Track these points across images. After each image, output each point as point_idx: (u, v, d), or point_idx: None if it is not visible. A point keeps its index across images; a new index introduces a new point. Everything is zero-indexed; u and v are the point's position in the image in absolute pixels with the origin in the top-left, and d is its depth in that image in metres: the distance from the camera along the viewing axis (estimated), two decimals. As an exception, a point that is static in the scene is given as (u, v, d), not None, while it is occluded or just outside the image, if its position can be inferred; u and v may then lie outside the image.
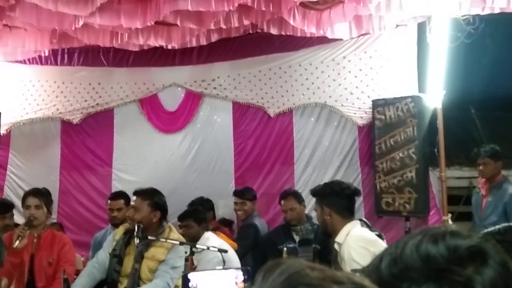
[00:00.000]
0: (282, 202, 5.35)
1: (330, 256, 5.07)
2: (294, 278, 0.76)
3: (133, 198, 4.15)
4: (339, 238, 3.26)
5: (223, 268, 3.38)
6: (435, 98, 5.75)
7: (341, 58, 6.29)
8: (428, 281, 0.88)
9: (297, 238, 5.19)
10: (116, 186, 6.35)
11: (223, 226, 5.81)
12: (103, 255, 4.17)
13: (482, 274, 0.88)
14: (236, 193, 5.88)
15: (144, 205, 4.09)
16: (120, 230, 4.28)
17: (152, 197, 4.16)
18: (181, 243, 3.99)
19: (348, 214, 3.36)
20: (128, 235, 4.14)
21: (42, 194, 4.35)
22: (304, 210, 5.37)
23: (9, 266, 3.87)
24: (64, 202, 6.55)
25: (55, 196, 6.43)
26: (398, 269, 0.91)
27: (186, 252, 3.83)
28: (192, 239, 4.48)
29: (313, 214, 5.53)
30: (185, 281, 2.63)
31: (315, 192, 3.54)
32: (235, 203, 5.79)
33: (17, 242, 3.93)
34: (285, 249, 4.73)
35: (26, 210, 4.21)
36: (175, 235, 4.17)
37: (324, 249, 5.01)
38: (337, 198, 3.34)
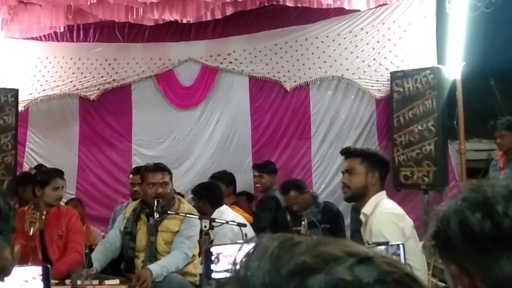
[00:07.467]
0: (284, 197, 5.26)
1: (341, 233, 5.12)
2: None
3: (158, 174, 4.13)
4: (366, 209, 3.14)
5: (245, 242, 3.38)
6: (454, 70, 5.65)
7: (359, 30, 6.18)
8: None
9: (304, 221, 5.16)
10: (137, 161, 6.39)
11: (244, 198, 5.88)
12: (113, 234, 4.25)
13: None
14: (254, 167, 6.03)
15: (170, 180, 4.16)
16: (130, 208, 4.33)
17: (170, 171, 4.23)
18: (200, 218, 4.02)
19: (383, 185, 3.26)
20: (138, 211, 4.20)
21: (63, 174, 4.44)
22: (308, 194, 5.23)
23: (27, 249, 3.93)
24: (83, 178, 6.61)
25: (74, 172, 6.52)
26: None
27: (205, 227, 3.85)
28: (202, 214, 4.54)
29: (322, 196, 5.57)
30: (208, 254, 2.64)
31: (367, 155, 3.25)
32: (254, 176, 5.86)
33: (32, 229, 4.01)
34: (303, 223, 4.72)
35: (54, 191, 4.26)
36: (186, 206, 4.24)
37: (334, 227, 5.05)
38: (383, 168, 3.23)
